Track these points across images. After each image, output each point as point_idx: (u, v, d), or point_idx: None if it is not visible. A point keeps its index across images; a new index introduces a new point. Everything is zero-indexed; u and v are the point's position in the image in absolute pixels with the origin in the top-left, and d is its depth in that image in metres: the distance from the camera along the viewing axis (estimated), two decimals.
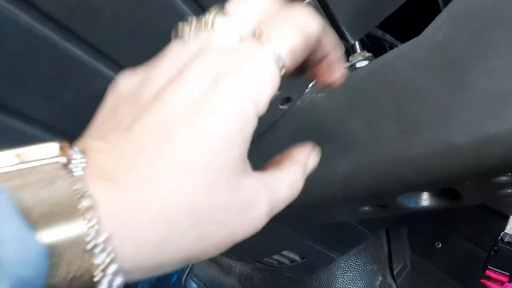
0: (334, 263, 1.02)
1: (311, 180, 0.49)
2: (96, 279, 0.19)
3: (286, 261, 0.95)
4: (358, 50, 0.50)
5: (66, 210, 0.19)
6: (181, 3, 0.33)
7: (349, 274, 1.02)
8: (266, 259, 0.94)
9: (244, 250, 0.91)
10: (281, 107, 0.49)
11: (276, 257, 0.92)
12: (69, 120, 0.38)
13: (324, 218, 0.64)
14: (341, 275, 1.02)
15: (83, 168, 0.20)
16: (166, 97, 0.22)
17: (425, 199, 0.50)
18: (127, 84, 0.25)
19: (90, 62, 0.33)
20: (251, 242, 0.89)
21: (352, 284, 1.02)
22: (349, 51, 0.51)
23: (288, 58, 0.23)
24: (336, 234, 0.88)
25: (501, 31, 0.38)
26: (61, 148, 0.20)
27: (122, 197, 0.20)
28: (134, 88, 0.25)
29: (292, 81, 0.48)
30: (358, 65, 0.48)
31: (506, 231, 0.74)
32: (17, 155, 0.20)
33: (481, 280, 0.77)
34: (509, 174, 0.42)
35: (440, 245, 0.99)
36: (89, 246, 0.19)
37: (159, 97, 0.22)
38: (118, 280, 0.20)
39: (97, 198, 0.19)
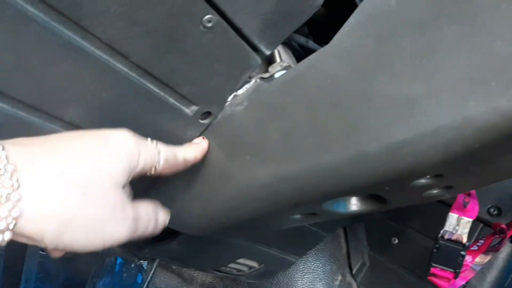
0: (293, 266, 1.01)
1: (238, 195, 0.49)
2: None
3: (244, 268, 0.94)
4: (278, 59, 0.50)
5: None
6: None
7: (308, 276, 1.02)
8: (223, 268, 0.93)
9: (201, 260, 0.90)
10: (202, 121, 0.48)
11: (232, 265, 0.92)
12: None
13: (265, 227, 0.63)
14: (300, 278, 1.02)
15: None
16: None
17: (354, 204, 0.50)
18: None
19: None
20: (206, 252, 0.87)
21: (311, 286, 1.02)
22: (270, 61, 0.50)
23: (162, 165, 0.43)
24: (291, 238, 0.88)
25: (406, 34, 0.37)
26: None
27: (31, 155, 0.33)
28: None
29: (212, 95, 0.47)
30: (276, 75, 0.48)
31: (446, 228, 0.74)
32: None
33: (428, 278, 0.77)
34: (428, 176, 0.41)
35: (396, 241, 0.99)
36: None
37: None
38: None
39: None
